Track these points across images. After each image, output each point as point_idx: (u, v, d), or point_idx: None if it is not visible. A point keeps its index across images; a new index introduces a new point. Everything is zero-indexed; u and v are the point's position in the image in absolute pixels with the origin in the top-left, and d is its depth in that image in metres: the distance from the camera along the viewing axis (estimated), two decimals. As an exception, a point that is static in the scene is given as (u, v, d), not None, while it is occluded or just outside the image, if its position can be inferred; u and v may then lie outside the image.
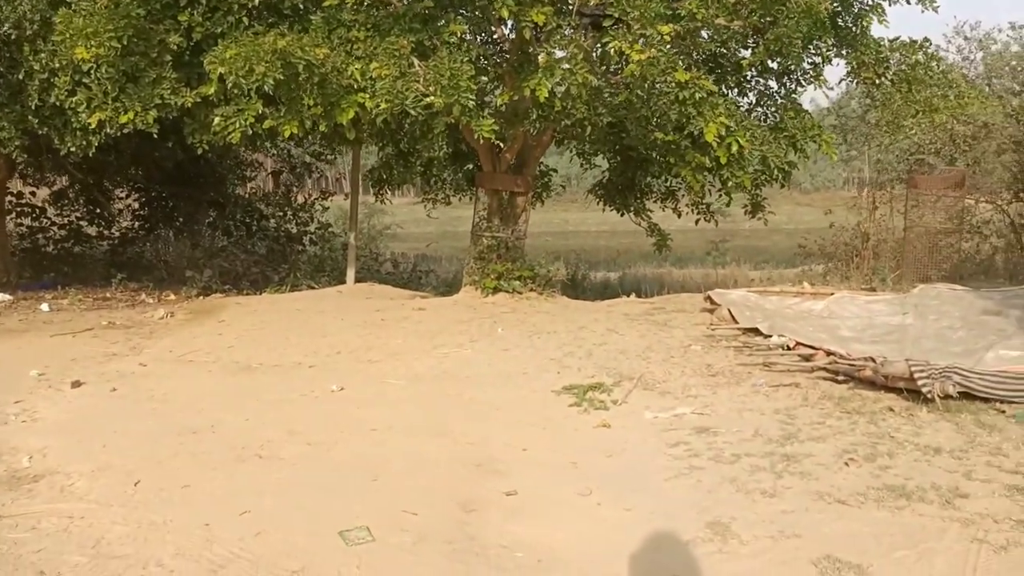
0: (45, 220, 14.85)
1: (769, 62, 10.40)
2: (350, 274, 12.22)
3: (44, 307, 9.60)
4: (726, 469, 4.20)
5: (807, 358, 6.31)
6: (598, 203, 14.21)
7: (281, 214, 15.66)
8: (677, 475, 4.20)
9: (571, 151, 14.28)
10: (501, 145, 10.87)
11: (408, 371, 6.81)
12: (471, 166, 13.42)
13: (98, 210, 15.30)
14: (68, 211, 15.14)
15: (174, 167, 14.12)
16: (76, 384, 6.32)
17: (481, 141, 8.52)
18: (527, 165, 11.48)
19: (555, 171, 14.60)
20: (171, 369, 6.91)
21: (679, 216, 13.70)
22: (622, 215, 14.12)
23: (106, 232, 15.51)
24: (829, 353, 6.22)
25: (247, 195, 16.02)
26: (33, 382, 6.40)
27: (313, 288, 12.54)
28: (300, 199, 16.20)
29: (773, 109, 11.13)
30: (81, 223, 15.21)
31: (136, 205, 16.07)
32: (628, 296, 13.33)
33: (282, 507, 3.97)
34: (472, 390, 6.18)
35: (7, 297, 10.14)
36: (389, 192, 13.11)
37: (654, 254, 18.87)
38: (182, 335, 8.47)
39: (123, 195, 16.09)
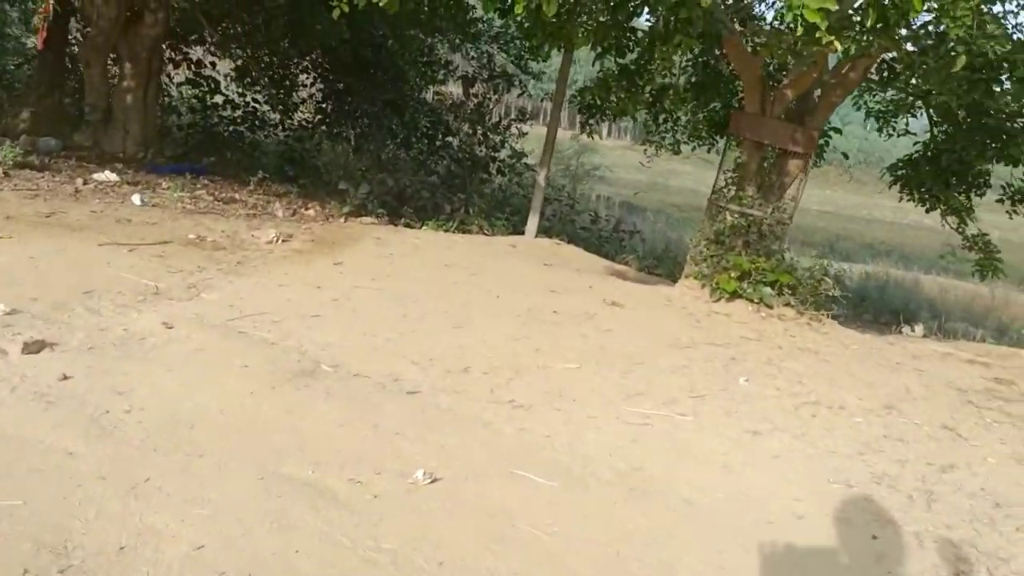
0: (220, 97, 13.11)
1: None
2: (532, 223, 9.13)
3: (136, 200, 7.39)
4: None
5: None
6: (893, 187, 9.97)
7: (470, 131, 12.73)
8: None
9: (867, 102, 9.89)
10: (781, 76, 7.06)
11: (571, 447, 3.60)
12: (718, 105, 9.62)
13: (280, 92, 13.16)
14: (246, 91, 13.24)
15: (351, 54, 11.67)
16: (31, 348, 3.81)
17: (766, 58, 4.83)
18: (814, 114, 7.48)
19: (838, 131, 10.26)
20: (189, 352, 4.18)
21: (1011, 216, 9.26)
22: (928, 211, 9.79)
23: (286, 121, 13.45)
24: None
25: (433, 102, 13.23)
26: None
27: (484, 234, 9.67)
28: (496, 118, 13.16)
29: None
30: (259, 106, 13.28)
31: (319, 97, 13.92)
32: (915, 331, 9.26)
33: None
34: (684, 541, 2.83)
35: (112, 178, 8.12)
36: (599, 123, 9.43)
37: (940, 260, 13.99)
38: (270, 279, 5.83)
39: (308, 82, 13.98)
